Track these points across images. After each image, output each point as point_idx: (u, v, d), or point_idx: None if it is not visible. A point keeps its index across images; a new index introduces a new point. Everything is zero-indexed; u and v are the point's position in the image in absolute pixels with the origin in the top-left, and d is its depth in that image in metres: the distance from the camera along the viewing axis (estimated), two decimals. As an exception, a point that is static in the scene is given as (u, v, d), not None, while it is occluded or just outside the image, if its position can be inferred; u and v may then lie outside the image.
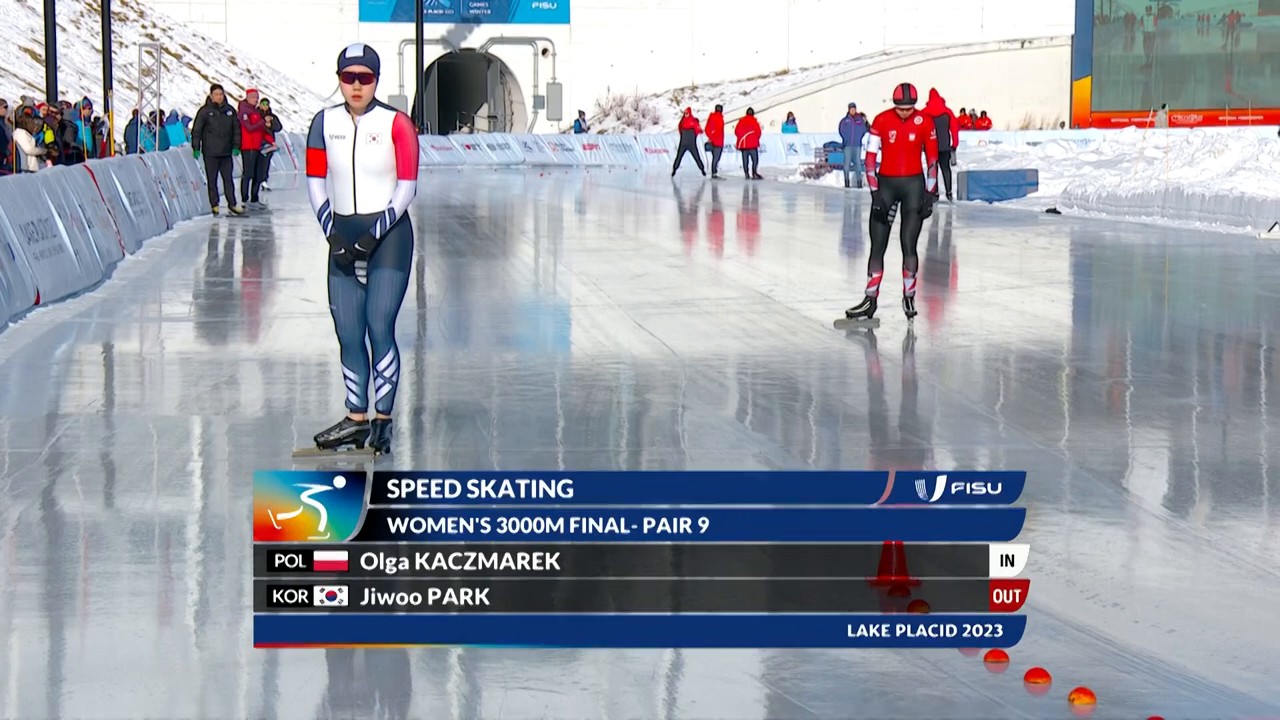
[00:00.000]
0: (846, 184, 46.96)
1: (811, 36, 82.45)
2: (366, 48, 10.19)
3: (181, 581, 7.84)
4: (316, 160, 10.12)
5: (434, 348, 15.74)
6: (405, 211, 10.21)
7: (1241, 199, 29.97)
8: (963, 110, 71.63)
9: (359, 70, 10.00)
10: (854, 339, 15.82)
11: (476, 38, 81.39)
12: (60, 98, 46.42)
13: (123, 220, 24.77)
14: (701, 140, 56.24)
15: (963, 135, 67.68)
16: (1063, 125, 79.07)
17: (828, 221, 35.82)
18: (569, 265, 25.06)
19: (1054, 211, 35.01)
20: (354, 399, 10.33)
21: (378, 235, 10.12)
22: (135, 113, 48.08)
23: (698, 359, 14.58)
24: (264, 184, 39.99)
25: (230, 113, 34.56)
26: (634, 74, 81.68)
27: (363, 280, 10.19)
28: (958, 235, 30.28)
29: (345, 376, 10.40)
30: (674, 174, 55.47)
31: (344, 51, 10.17)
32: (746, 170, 53.77)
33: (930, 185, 16.48)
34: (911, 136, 16.32)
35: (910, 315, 16.66)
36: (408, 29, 76.57)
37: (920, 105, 17.03)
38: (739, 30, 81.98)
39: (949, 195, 39.27)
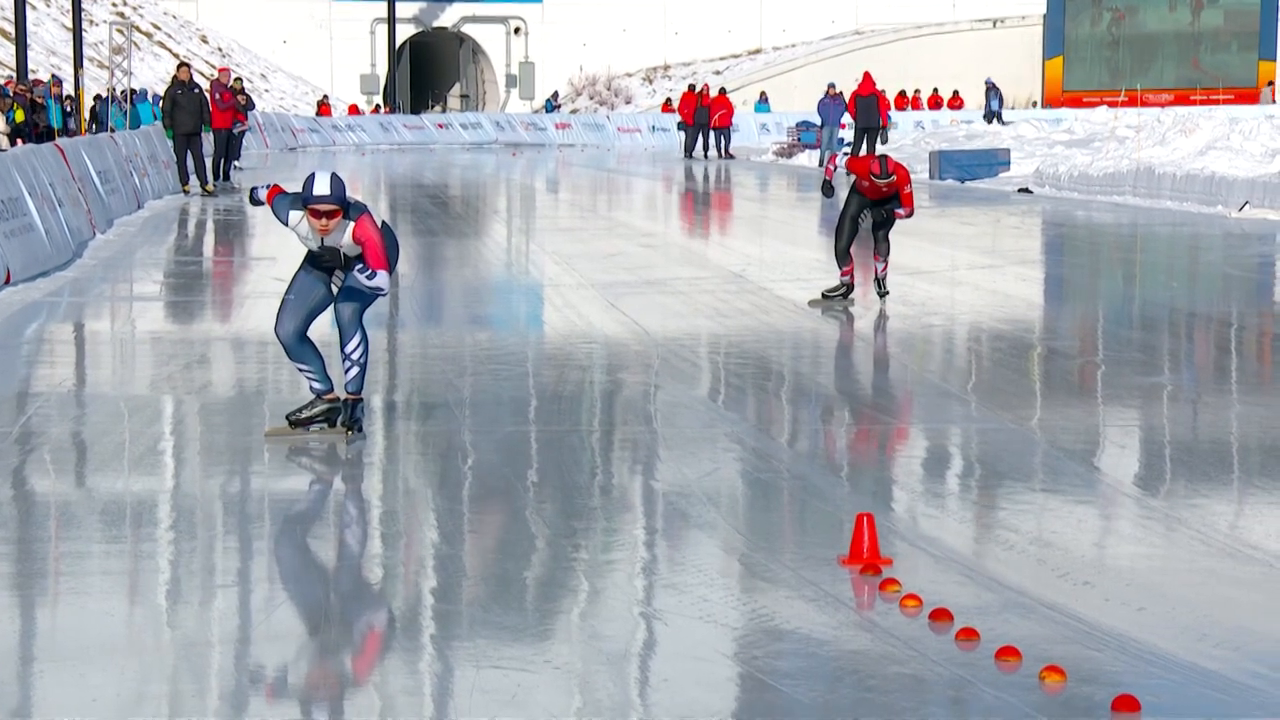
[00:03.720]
0: (821, 163, 46.94)
1: (784, 15, 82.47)
2: (334, 179, 9.92)
3: (153, 561, 7.83)
4: (271, 197, 10.31)
5: (406, 327, 15.73)
6: (385, 225, 10.17)
7: (1212, 178, 30.03)
8: (900, 92, 71.86)
9: (326, 208, 9.82)
10: (827, 318, 15.83)
11: (448, 16, 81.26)
12: (30, 76, 46.27)
13: (93, 199, 24.69)
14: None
15: (932, 114, 67.75)
16: (1035, 104, 79.14)
17: (800, 201, 35.84)
18: (541, 245, 25.06)
19: (1026, 191, 35.05)
20: (317, 384, 10.25)
21: (357, 284, 10.08)
22: (108, 91, 47.95)
23: (670, 338, 14.59)
24: (236, 163, 39.89)
25: (198, 90, 34.43)
26: (606, 53, 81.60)
27: (336, 287, 10.19)
28: (929, 215, 30.31)
29: (299, 370, 10.36)
30: (690, 154, 55.11)
31: (310, 183, 9.91)
32: (718, 149, 53.66)
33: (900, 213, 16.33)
34: (885, 189, 16.01)
35: (882, 295, 16.46)
36: (379, 8, 76.41)
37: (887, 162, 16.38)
38: (712, 9, 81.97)
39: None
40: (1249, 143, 32.16)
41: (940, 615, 6.65)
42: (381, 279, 9.92)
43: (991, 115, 60.17)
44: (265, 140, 56.88)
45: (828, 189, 17.51)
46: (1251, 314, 17.16)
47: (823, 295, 16.34)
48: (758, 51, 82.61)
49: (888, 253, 16.47)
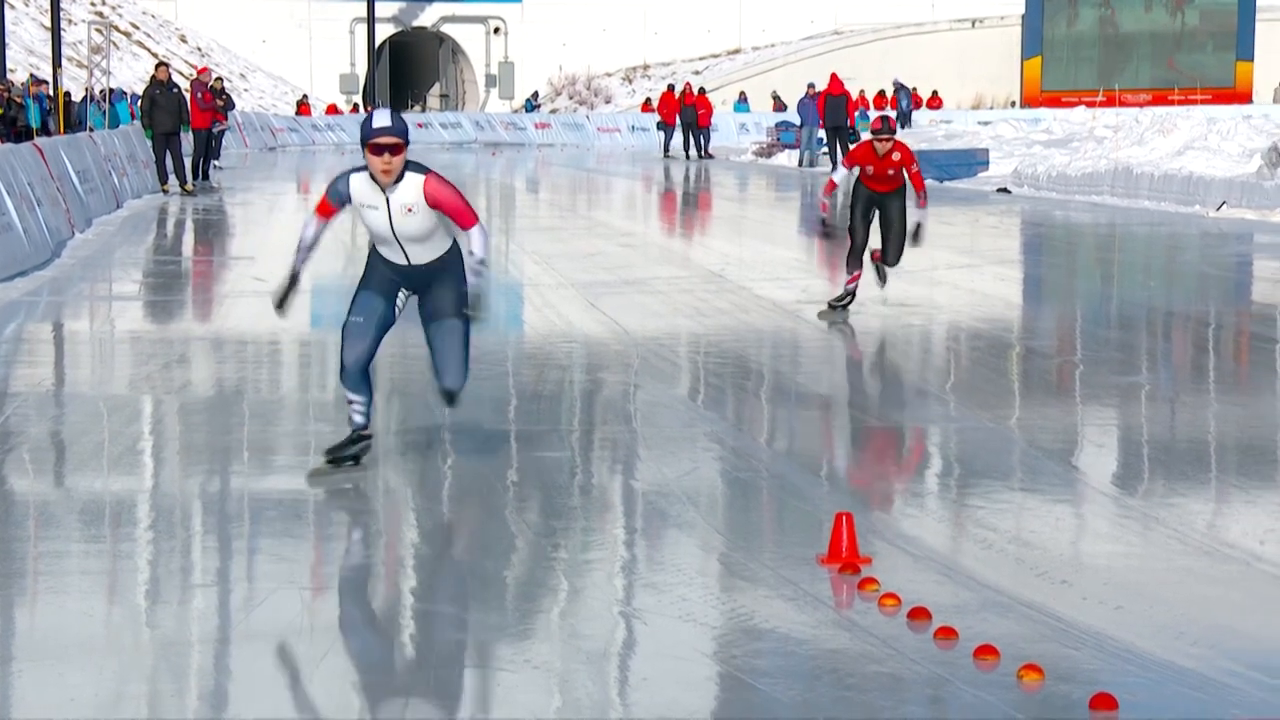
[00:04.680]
0: (800, 163, 46.99)
1: (763, 15, 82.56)
2: (394, 113, 8.95)
3: (131, 560, 7.82)
4: (325, 208, 9.05)
5: (385, 326, 15.72)
6: (457, 248, 9.22)
7: (1190, 178, 30.10)
8: (861, 93, 71.84)
9: (388, 141, 8.77)
10: (802, 319, 15.83)
11: (428, 16, 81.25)
12: (8, 75, 46.17)
13: (72, 199, 24.66)
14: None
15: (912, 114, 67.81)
16: (1013, 104, 79.32)
17: (779, 201, 35.89)
18: (521, 244, 25.05)
19: (1004, 191, 35.12)
20: (359, 418, 9.24)
21: (476, 289, 9.14)
22: (87, 90, 47.86)
23: (650, 338, 14.59)
24: (215, 162, 39.86)
25: (176, 90, 34.38)
26: (586, 53, 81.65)
27: (399, 308, 9.27)
28: (909, 214, 30.38)
29: (349, 399, 9.26)
30: (668, 153, 55.12)
31: (369, 119, 8.90)
32: (697, 149, 53.66)
33: (913, 226, 15.71)
34: (890, 171, 15.40)
35: (882, 282, 16.07)
36: (358, 7, 76.42)
37: (899, 135, 15.83)
38: (691, 9, 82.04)
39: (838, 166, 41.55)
40: (1226, 143, 32.25)
41: (918, 614, 6.66)
42: (482, 241, 8.94)
43: (902, 117, 58.50)
44: (245, 139, 56.87)
45: (827, 229, 16.77)
46: (1229, 313, 17.21)
47: (829, 306, 15.66)
48: (737, 51, 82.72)
49: (897, 257, 15.85)
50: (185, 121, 34.47)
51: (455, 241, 9.17)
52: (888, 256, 15.85)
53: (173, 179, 34.03)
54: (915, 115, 66.85)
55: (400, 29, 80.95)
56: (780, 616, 6.77)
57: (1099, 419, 11.34)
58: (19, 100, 40.34)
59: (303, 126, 65.85)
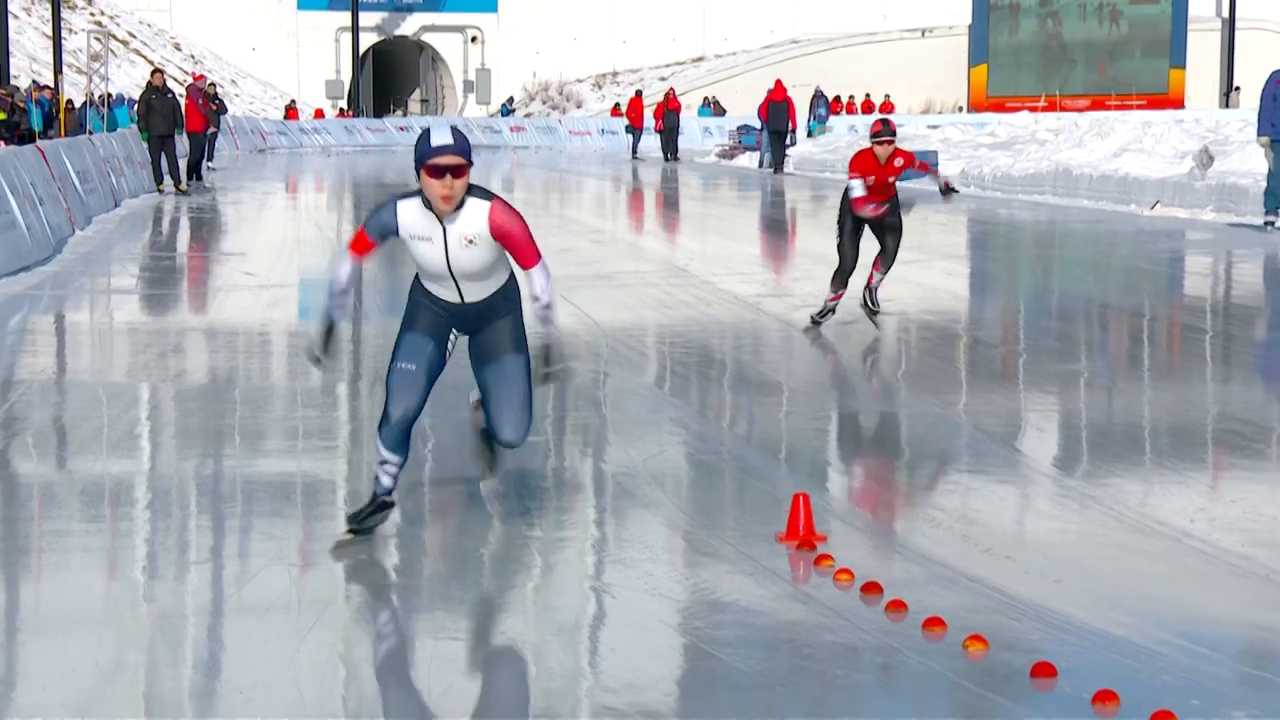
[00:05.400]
0: (761, 164, 47.00)
1: (726, 24, 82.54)
2: (454, 129, 7.30)
3: (130, 538, 7.82)
4: (362, 243, 7.41)
5: (370, 319, 15.70)
6: (514, 280, 7.69)
7: (1126, 179, 30.17)
8: (835, 97, 71.89)
9: (451, 161, 7.15)
10: (762, 311, 15.84)
11: (409, 26, 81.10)
12: (12, 81, 45.99)
13: (73, 198, 24.59)
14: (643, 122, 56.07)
15: (865, 118, 67.87)
16: (960, 109, 79.43)
17: (741, 200, 35.89)
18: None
19: (953, 190, 35.13)
20: (388, 480, 7.58)
21: (547, 340, 7.68)
22: (87, 96, 47.65)
23: (618, 329, 14.60)
24: (208, 163, 39.76)
25: (170, 95, 34.31)
26: (558, 60, 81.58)
27: (450, 351, 7.71)
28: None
29: (382, 458, 7.56)
30: (636, 154, 55.11)
31: (425, 136, 7.30)
32: (671, 152, 53.65)
33: (942, 183, 15.05)
34: (891, 179, 14.04)
35: (873, 313, 14.50)
36: (343, 17, 76.29)
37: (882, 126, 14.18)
38: (657, 18, 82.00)
39: (778, 167, 45.26)
40: (1160, 145, 32.34)
41: (871, 588, 6.68)
42: (546, 282, 7.45)
43: (819, 121, 56.84)
44: (236, 142, 56.71)
45: (848, 222, 14.36)
46: (1162, 306, 17.26)
47: (812, 321, 14.46)
48: (701, 59, 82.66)
49: (890, 264, 14.51)
50: (179, 125, 34.40)
51: (512, 273, 7.62)
52: (886, 263, 14.41)
53: (167, 179, 33.96)
54: (868, 118, 66.93)
55: (383, 38, 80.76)
56: (740, 590, 6.79)
57: (1040, 405, 11.37)
58: (22, 105, 40.17)
59: (291, 130, 65.66)
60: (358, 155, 58.83)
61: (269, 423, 10.61)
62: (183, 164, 35.36)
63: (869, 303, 14.44)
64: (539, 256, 7.41)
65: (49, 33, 54.95)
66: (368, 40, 78.48)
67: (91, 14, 74.02)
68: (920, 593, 6.64)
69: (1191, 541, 7.52)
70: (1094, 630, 6.21)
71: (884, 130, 14.01)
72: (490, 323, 7.64)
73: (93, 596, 6.84)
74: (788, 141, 46.64)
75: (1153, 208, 28.35)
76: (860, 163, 13.95)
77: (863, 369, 12.99)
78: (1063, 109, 69.94)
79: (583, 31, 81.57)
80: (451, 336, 7.64)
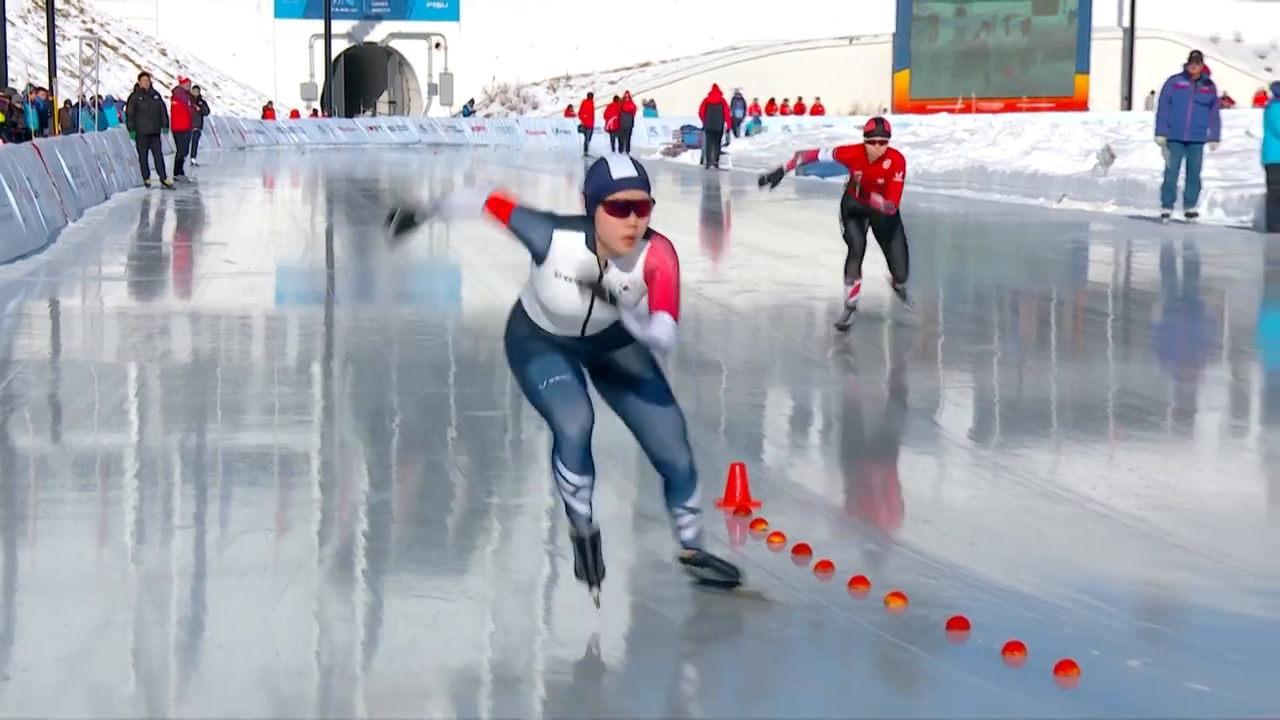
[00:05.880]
0: (702, 161, 47.00)
1: (670, 32, 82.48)
2: (634, 161, 5.74)
3: (118, 506, 7.78)
4: (503, 210, 5.85)
5: (341, 304, 15.67)
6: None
7: (1035, 175, 30.28)
8: (770, 100, 72.06)
9: (638, 197, 5.60)
10: (703, 296, 15.84)
11: (378, 33, 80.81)
12: (10, 84, 45.65)
13: (66, 192, 24.43)
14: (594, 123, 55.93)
15: (797, 119, 67.93)
16: (885, 111, 79.50)
17: (684, 194, 35.87)
18: (459, 231, 24.96)
19: (877, 185, 35.16)
20: (584, 506, 6.03)
21: (647, 355, 6.10)
22: (79, 97, 47.34)
23: (570, 312, 14.55)
24: (192, 160, 39.54)
25: (157, 97, 34.11)
26: (516, 65, 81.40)
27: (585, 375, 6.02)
28: (795, 206, 30.43)
29: (571, 486, 5.96)
30: (587, 152, 55.00)
31: (602, 167, 5.68)
32: (615, 149, 53.55)
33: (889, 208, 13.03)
34: (880, 180, 12.82)
35: (905, 299, 13.54)
36: (317, 25, 75.93)
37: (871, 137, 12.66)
38: (607, 26, 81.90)
39: (715, 164, 45.33)
40: (1067, 144, 32.48)
41: (801, 549, 6.70)
42: (668, 331, 5.63)
43: (735, 123, 54.17)
44: (217, 140, 56.40)
45: (770, 179, 12.96)
46: (1067, 291, 17.33)
47: (838, 328, 13.30)
48: (647, 64, 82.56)
49: (903, 272, 13.35)
50: (165, 124, 34.22)
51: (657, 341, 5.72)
52: (898, 273, 13.36)
53: (154, 175, 33.77)
54: (800, 119, 66.97)
55: (353, 44, 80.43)
56: (682, 552, 6.79)
57: (957, 382, 11.41)
58: (19, 106, 39.90)
59: (268, 129, 65.33)
60: (330, 152, 58.58)
61: (248, 399, 10.57)
62: (168, 160, 35.18)
63: (901, 296, 13.55)
64: (677, 313, 5.69)
65: (44, 39, 54.52)
66: (339, 46, 78.12)
67: (84, 22, 73.50)
68: (846, 554, 6.66)
69: (1093, 506, 7.56)
70: (1004, 587, 6.25)
71: (877, 130, 12.75)
72: (614, 349, 5.98)
73: (84, 560, 6.81)
74: (724, 140, 46.74)
75: (1060, 201, 28.46)
76: (848, 153, 12.84)
77: (795, 349, 13.00)
78: (978, 111, 70.12)
79: (538, 38, 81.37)
80: (581, 367, 6.00)
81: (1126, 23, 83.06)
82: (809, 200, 31.48)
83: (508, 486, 8.05)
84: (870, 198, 12.93)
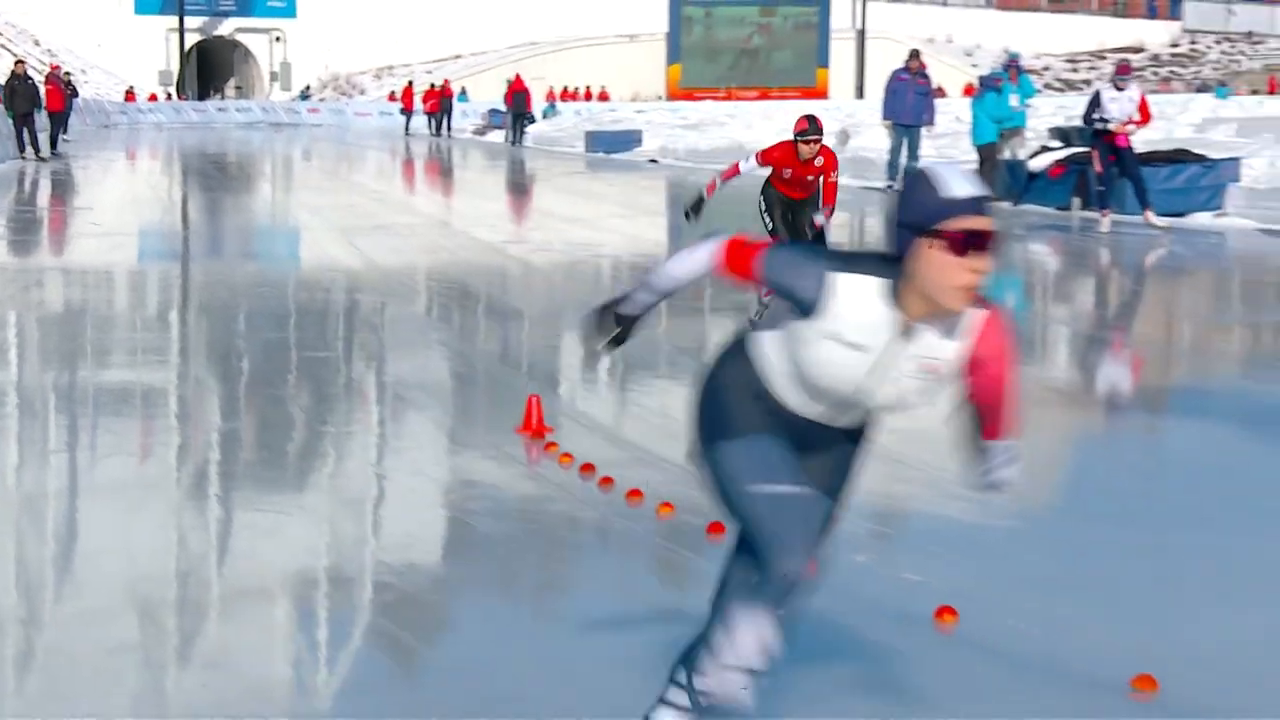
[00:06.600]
0: (507, 139, 46.75)
1: (477, 28, 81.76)
2: (975, 174, 3.35)
3: (1, 434, 7.58)
4: (741, 267, 3.51)
5: (195, 260, 15.37)
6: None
7: (785, 153, 30.55)
8: (565, 88, 71.91)
9: (986, 226, 3.19)
10: (508, 256, 15.80)
11: (225, 27, 79.12)
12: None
13: (-50, 163, 23.60)
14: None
15: (587, 105, 67.78)
16: (661, 98, 79.73)
17: (490, 167, 35.67)
18: (297, 198, 24.60)
19: (654, 161, 35.31)
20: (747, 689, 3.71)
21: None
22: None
23: (394, 269, 14.47)
24: (64, 136, 38.43)
25: (31, 81, 33.15)
26: (346, 56, 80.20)
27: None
28: (585, 179, 30.44)
29: (733, 631, 3.68)
30: (408, 132, 53.86)
31: (934, 181, 3.21)
32: (433, 129, 52.96)
33: (818, 221, 11.04)
34: (809, 178, 10.97)
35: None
36: (172, 20, 74.19)
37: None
38: (424, 22, 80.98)
39: (518, 141, 45.06)
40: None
41: (587, 468, 6.74)
42: (1008, 466, 3.50)
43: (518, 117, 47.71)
44: (85, 119, 54.80)
45: (694, 208, 11.50)
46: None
47: (750, 323, 11.61)
48: (459, 56, 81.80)
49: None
50: (39, 105, 33.25)
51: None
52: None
53: (29, 149, 32.79)
54: (589, 105, 66.82)
55: (205, 37, 78.60)
56: (488, 472, 6.81)
57: (718, 325, 11.53)
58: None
59: (130, 110, 63.72)
60: (184, 131, 57.29)
61: (113, 342, 10.35)
62: (42, 137, 34.18)
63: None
64: (1015, 425, 3.50)
65: (-72, 28, 52.52)
66: (192, 39, 76.31)
67: (-36, 14, 70.97)
68: (625, 470, 6.72)
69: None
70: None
71: (810, 129, 10.65)
72: (824, 449, 3.68)
73: (-31, 484, 6.63)
74: (525, 122, 46.41)
75: (805, 175, 28.76)
76: (776, 154, 10.92)
77: (583, 300, 13.03)
78: (737, 99, 70.64)
79: (366, 33, 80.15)
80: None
81: (860, 25, 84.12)
82: (595, 173, 31.51)
83: (340, 417, 7.99)
84: (795, 191, 11.10)
